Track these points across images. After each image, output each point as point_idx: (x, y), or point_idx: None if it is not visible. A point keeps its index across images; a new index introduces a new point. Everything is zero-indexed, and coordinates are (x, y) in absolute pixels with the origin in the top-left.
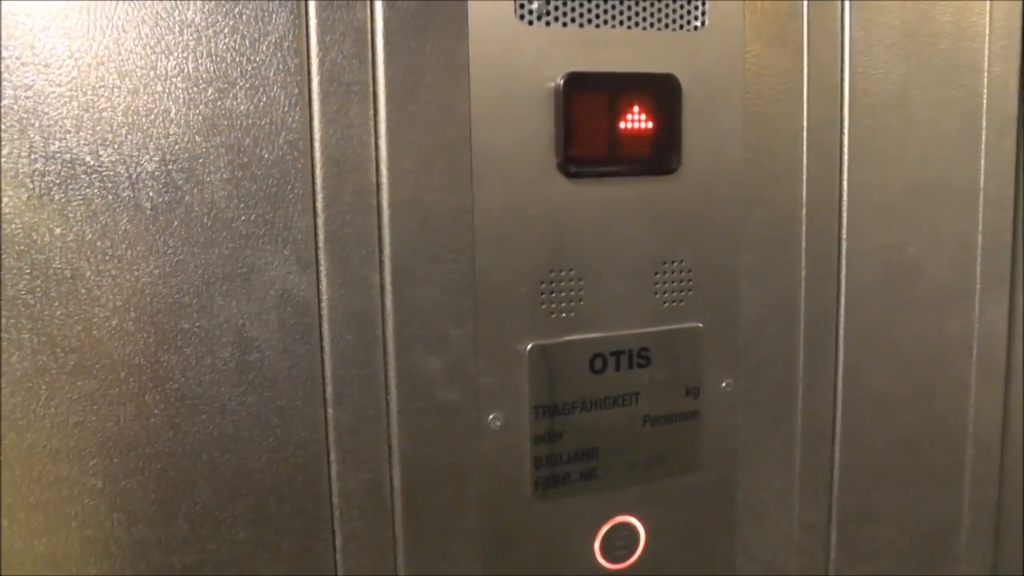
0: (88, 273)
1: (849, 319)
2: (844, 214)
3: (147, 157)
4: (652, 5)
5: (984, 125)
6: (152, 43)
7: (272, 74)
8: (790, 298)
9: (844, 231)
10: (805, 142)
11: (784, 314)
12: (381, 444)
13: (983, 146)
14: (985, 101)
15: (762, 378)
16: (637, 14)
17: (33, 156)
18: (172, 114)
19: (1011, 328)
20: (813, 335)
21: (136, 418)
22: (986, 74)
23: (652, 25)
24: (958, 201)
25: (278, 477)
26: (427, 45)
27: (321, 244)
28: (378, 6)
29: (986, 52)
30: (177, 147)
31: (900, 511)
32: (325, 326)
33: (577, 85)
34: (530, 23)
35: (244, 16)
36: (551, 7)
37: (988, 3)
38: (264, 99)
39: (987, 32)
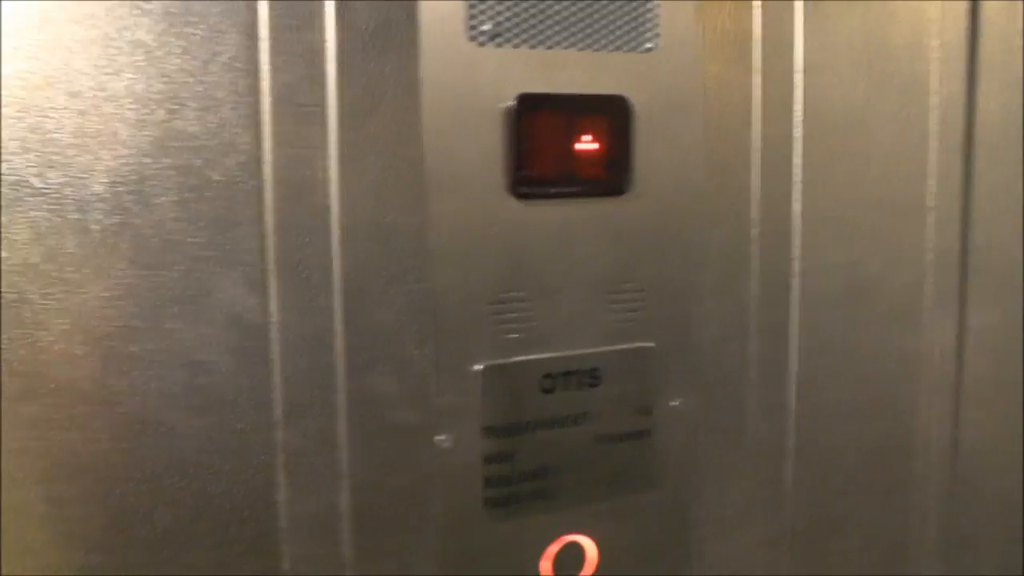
0: (34, 296)
1: (803, 335)
2: (798, 232)
3: (95, 179)
4: (605, 27)
5: (935, 144)
6: (102, 64)
7: (223, 95)
8: (744, 315)
9: (797, 249)
10: (760, 160)
11: (738, 332)
12: (332, 466)
13: (933, 166)
14: (937, 121)
15: (717, 395)
16: (590, 36)
17: None
18: (122, 135)
19: (961, 343)
20: (767, 352)
21: (83, 443)
22: (938, 94)
23: (605, 47)
24: (910, 218)
25: (231, 501)
26: (380, 66)
27: (271, 266)
28: (330, 28)
29: (937, 73)
30: (126, 169)
31: (857, 524)
32: (276, 348)
33: (529, 107)
34: (482, 45)
35: (195, 37)
36: (503, 29)
37: (938, 26)
38: (215, 120)
39: (937, 56)
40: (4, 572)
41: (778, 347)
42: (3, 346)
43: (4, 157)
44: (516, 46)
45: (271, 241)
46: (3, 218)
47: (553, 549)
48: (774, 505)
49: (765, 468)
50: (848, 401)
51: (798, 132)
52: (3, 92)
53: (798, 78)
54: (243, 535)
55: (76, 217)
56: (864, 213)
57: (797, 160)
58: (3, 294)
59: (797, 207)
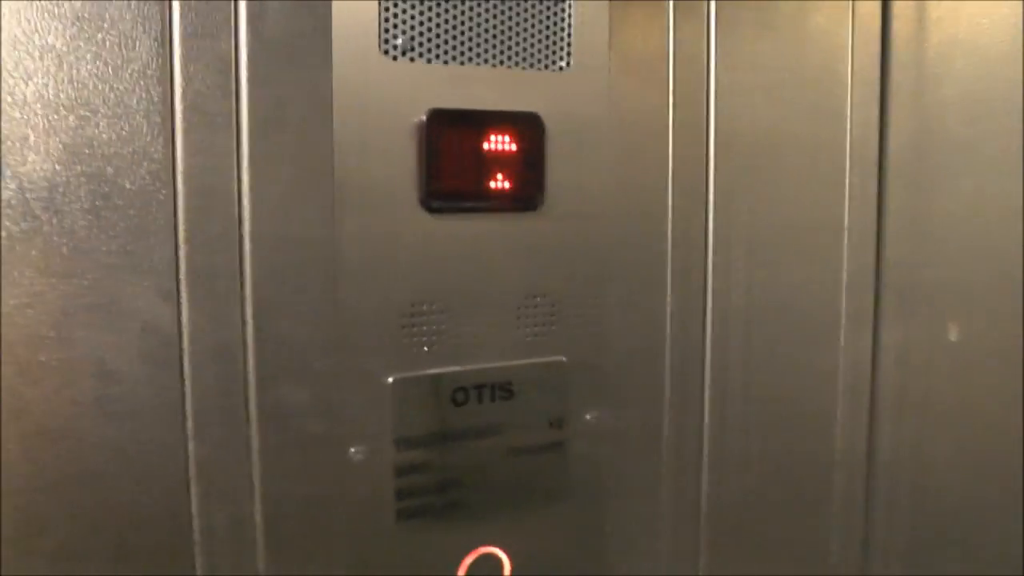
0: None
1: (716, 350)
2: (710, 249)
3: (4, 185)
4: (517, 44)
5: (848, 168)
6: (11, 67)
7: (135, 103)
8: (657, 331)
9: (711, 266)
10: (671, 180)
11: (651, 346)
12: (243, 477)
13: (847, 188)
14: (848, 145)
15: (629, 409)
16: (502, 52)
17: None
18: (31, 141)
19: (875, 359)
20: (680, 367)
21: None
22: (849, 120)
23: (517, 64)
24: (825, 237)
25: (138, 511)
26: (291, 77)
27: (183, 276)
28: (243, 36)
29: (849, 99)
30: (36, 175)
31: (770, 537)
32: (187, 358)
33: (440, 121)
34: (395, 58)
35: (107, 43)
36: (416, 43)
37: (849, 52)
38: (127, 128)
39: (849, 81)
40: None
41: (691, 362)
42: None
43: None
44: (429, 61)
45: (183, 250)
46: None
47: (468, 561)
48: (687, 518)
49: (679, 481)
50: (761, 415)
51: (711, 152)
52: None
53: (711, 99)
54: (148, 545)
55: None
56: (779, 232)
57: (710, 179)
58: None
59: (710, 224)
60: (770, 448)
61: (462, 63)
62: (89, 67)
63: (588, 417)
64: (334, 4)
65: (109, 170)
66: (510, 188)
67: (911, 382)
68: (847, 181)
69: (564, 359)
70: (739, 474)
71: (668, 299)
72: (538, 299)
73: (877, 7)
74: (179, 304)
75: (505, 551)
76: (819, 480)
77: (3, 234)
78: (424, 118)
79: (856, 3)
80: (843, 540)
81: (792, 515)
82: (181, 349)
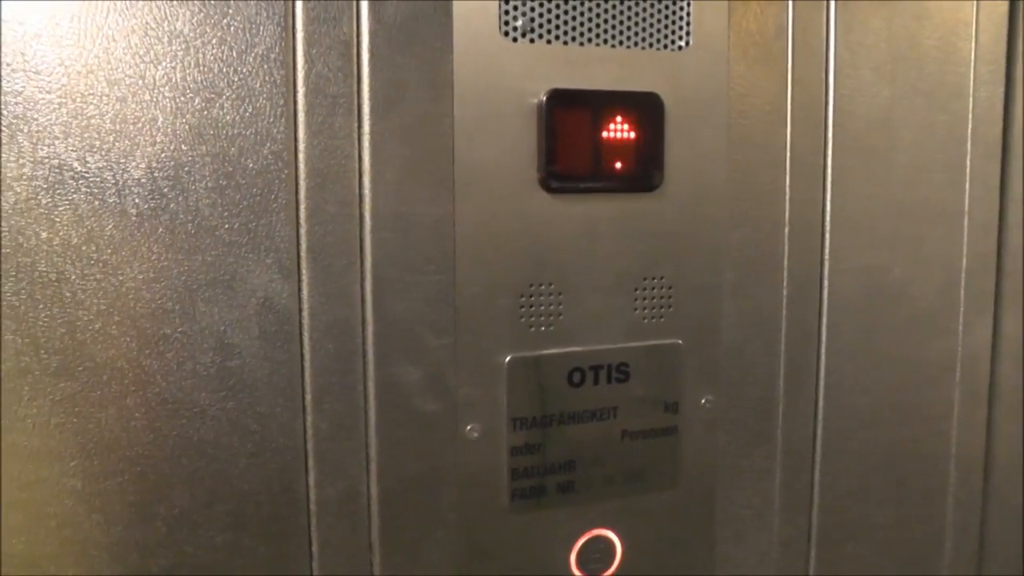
0: (73, 277)
1: (831, 338)
2: (827, 234)
3: (134, 164)
4: (636, 24)
5: (969, 149)
6: (141, 52)
7: (258, 85)
8: (772, 316)
9: (827, 251)
10: (788, 162)
11: (766, 332)
12: (359, 453)
13: (968, 170)
14: (971, 125)
15: (743, 395)
16: (621, 32)
17: (21, 161)
18: (159, 122)
19: (995, 350)
20: (794, 354)
21: (117, 421)
22: (972, 99)
23: (636, 44)
24: (943, 223)
25: (256, 482)
26: (412, 59)
27: (303, 253)
28: (364, 20)
29: (972, 77)
30: (163, 155)
31: (881, 531)
32: (306, 334)
33: (560, 102)
34: (514, 40)
35: (232, 28)
36: (536, 24)
37: (974, 28)
38: (250, 110)
39: (973, 57)
40: (36, 544)
41: (806, 349)
42: (42, 323)
43: (47, 141)
44: (548, 42)
45: (303, 229)
46: (46, 200)
47: (580, 543)
48: (798, 508)
49: (788, 470)
50: (875, 405)
51: (830, 135)
52: (47, 79)
53: (831, 79)
54: (263, 516)
55: (115, 201)
56: (895, 217)
57: (828, 162)
58: (43, 273)
59: (827, 209)
60: (883, 440)
61: (581, 44)
62: (215, 51)
63: (703, 402)
64: None
65: (232, 150)
66: (629, 169)
67: None
68: (968, 164)
69: (680, 342)
70: (852, 466)
71: (784, 284)
72: (655, 281)
73: None
74: (299, 281)
75: (616, 534)
76: (934, 476)
77: (133, 212)
78: (544, 99)
79: None
80: (957, 539)
81: (905, 511)
82: (300, 325)
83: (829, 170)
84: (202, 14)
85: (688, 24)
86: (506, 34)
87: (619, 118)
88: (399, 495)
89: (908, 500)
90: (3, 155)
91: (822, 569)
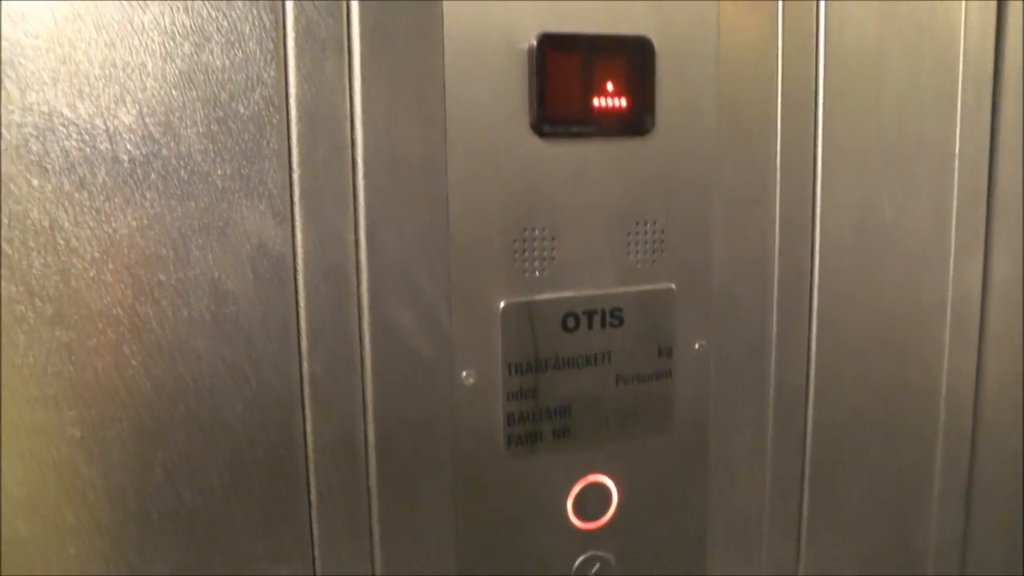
0: (66, 224)
1: (823, 277)
2: (819, 169)
3: (124, 110)
4: None
5: (960, 87)
6: None
7: (248, 30)
8: (764, 255)
9: (819, 186)
10: (780, 97)
11: (757, 272)
12: (355, 396)
13: (959, 108)
14: (961, 63)
15: (735, 336)
16: None
17: (10, 107)
18: (148, 68)
19: (985, 290)
20: (786, 292)
21: (114, 368)
22: (962, 36)
23: None
24: (934, 160)
25: (253, 427)
26: (401, 1)
27: (296, 198)
28: None
29: (963, 14)
30: (154, 100)
31: (873, 467)
32: (300, 279)
33: (551, 46)
34: None
35: None
36: None
37: None
38: (240, 54)
39: None
40: (36, 491)
41: (799, 288)
42: (36, 271)
43: (35, 87)
44: None
45: (296, 173)
46: (36, 147)
47: (576, 489)
48: (792, 447)
49: (781, 409)
50: (867, 343)
51: (820, 69)
52: (33, 24)
53: (821, 13)
54: (262, 459)
55: (106, 147)
56: (887, 154)
57: (819, 98)
58: (36, 220)
59: (818, 141)
60: (875, 377)
61: None
62: None
63: (696, 346)
64: None
65: (223, 95)
66: (620, 112)
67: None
68: (959, 100)
69: (673, 287)
70: (844, 403)
71: (776, 223)
72: (647, 225)
73: None
74: (292, 226)
75: (612, 479)
76: (925, 412)
77: (125, 158)
78: (535, 43)
79: None
80: (948, 472)
81: (896, 446)
82: (295, 269)
83: (820, 106)
84: None
85: None
86: None
87: (610, 62)
88: (396, 439)
89: (899, 437)
90: None
91: (815, 503)
